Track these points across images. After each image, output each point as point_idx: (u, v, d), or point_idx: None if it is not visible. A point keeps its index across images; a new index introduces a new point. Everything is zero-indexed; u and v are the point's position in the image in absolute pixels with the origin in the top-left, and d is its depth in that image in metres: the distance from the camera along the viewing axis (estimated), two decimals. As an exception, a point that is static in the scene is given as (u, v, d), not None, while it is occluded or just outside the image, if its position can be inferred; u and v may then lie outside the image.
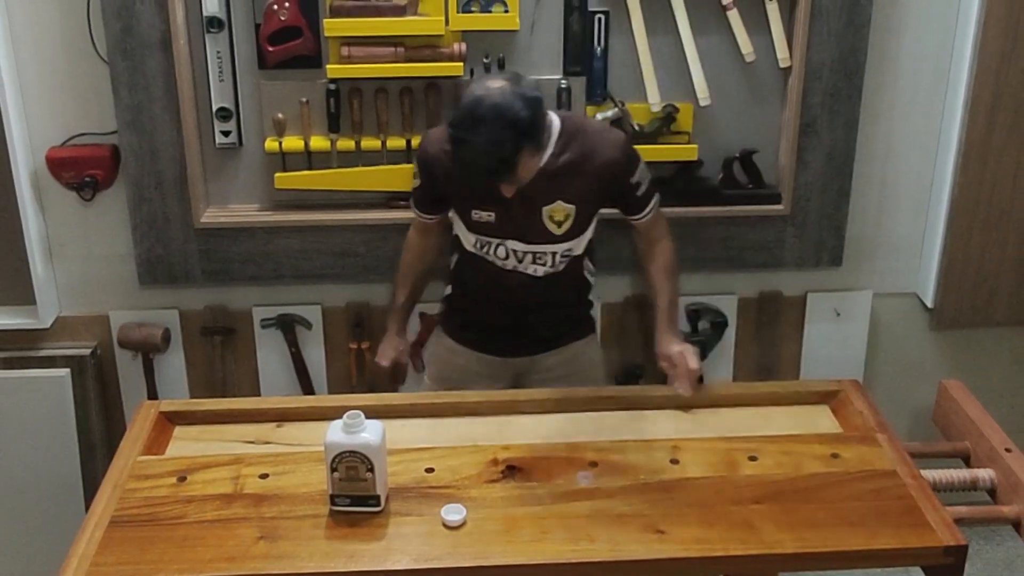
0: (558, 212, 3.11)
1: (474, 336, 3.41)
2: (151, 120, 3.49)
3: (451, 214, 3.27)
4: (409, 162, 3.58)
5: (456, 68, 3.47)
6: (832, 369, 3.94)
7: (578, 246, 3.23)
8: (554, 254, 3.19)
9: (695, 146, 3.64)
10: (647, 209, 3.23)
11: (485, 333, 3.39)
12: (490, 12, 3.46)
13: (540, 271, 3.21)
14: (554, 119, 3.06)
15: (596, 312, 3.67)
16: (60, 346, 3.80)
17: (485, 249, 3.20)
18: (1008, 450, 3.09)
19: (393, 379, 3.43)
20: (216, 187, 3.66)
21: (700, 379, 3.16)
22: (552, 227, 3.13)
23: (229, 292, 3.78)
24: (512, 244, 3.16)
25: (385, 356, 3.43)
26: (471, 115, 2.80)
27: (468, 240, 3.23)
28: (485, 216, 3.12)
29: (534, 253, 3.18)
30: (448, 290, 3.47)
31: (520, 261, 3.19)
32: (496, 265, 3.23)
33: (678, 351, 3.15)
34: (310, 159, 3.60)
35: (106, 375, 3.87)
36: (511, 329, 3.35)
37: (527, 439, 3.00)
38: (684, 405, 3.17)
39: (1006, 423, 3.29)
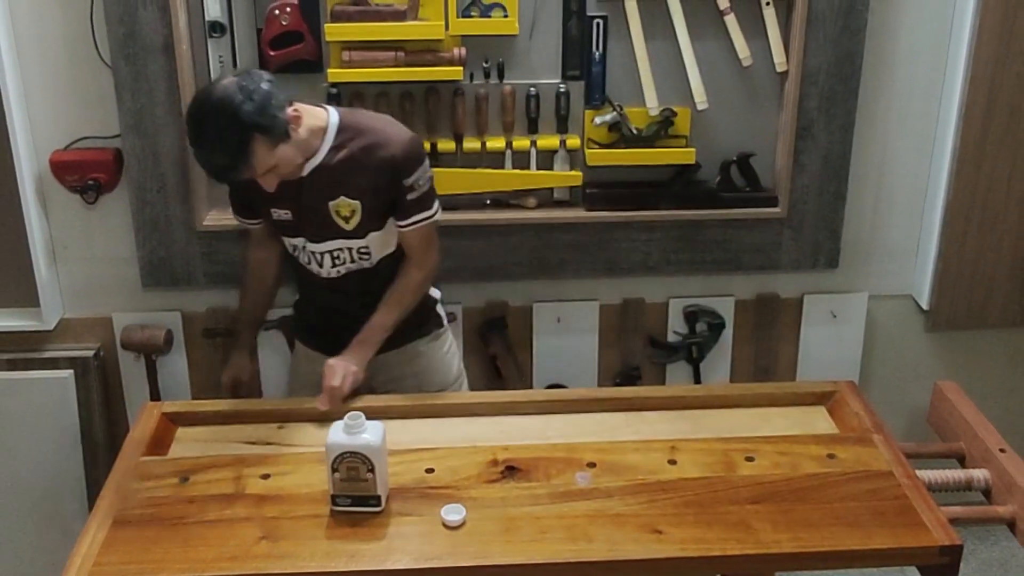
0: (343, 207, 3.09)
1: (319, 340, 3.39)
2: (154, 124, 3.49)
3: None
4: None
5: (456, 72, 3.47)
6: (828, 370, 3.95)
7: (379, 245, 3.19)
8: (350, 250, 3.17)
9: (693, 150, 3.64)
10: (410, 219, 3.14)
11: (326, 336, 3.35)
12: (489, 17, 3.46)
13: (343, 270, 3.20)
14: (332, 115, 3.07)
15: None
16: (63, 348, 3.79)
17: (296, 252, 3.23)
18: (1002, 451, 3.09)
19: (235, 397, 3.42)
20: (218, 191, 3.64)
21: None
22: (341, 222, 3.11)
23: (231, 294, 3.78)
24: (311, 246, 3.16)
25: (226, 374, 3.49)
26: (195, 116, 2.86)
27: (287, 244, 3.26)
28: (283, 215, 3.14)
29: (331, 252, 3.17)
30: (296, 296, 3.52)
31: (321, 265, 3.19)
32: (308, 268, 3.24)
33: (329, 364, 3.13)
34: (311, 162, 3.60)
35: (109, 376, 3.87)
36: (345, 330, 3.27)
37: (526, 440, 3.01)
38: (685, 407, 3.19)
39: (1000, 424, 3.29)
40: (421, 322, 3.38)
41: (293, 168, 2.99)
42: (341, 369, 3.10)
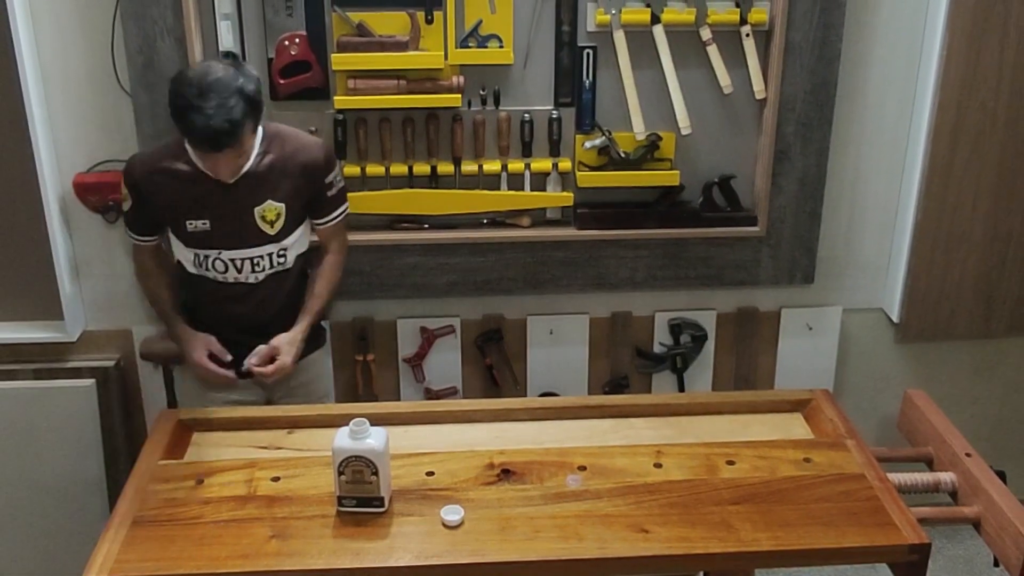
0: (269, 212, 3.09)
1: (217, 362, 3.26)
2: (171, 148, 3.50)
3: (170, 238, 3.19)
4: (411, 187, 3.60)
5: (455, 99, 3.48)
6: (804, 379, 3.96)
7: (294, 246, 3.20)
8: (271, 255, 3.15)
9: (677, 172, 3.65)
10: (332, 215, 3.25)
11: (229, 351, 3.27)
12: (486, 48, 3.47)
13: (261, 276, 3.17)
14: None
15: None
16: (86, 358, 3.80)
17: (204, 265, 3.14)
18: (968, 455, 3.10)
19: (215, 368, 3.21)
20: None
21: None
22: (265, 227, 3.10)
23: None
24: (228, 254, 3.11)
25: (197, 353, 3.21)
26: (199, 85, 2.78)
27: (187, 259, 3.16)
28: (200, 225, 3.07)
29: (252, 259, 3.13)
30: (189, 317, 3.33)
31: (240, 271, 3.14)
32: (217, 281, 3.16)
33: (277, 344, 3.16)
34: (319, 184, 3.60)
35: (129, 385, 3.87)
36: (248, 347, 3.20)
37: (521, 444, 3.01)
38: (670, 414, 3.20)
39: (966, 430, 3.30)
40: (315, 336, 3.36)
41: (243, 163, 3.00)
42: (287, 349, 3.16)
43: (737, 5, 3.51)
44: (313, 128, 3.52)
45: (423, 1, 3.41)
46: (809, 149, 3.69)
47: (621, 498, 2.75)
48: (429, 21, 3.43)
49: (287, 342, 3.17)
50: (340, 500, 2.67)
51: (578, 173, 3.65)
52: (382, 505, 2.67)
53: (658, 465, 2.89)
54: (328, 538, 2.61)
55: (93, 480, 3.84)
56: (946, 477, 3.12)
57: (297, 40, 3.43)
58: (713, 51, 3.54)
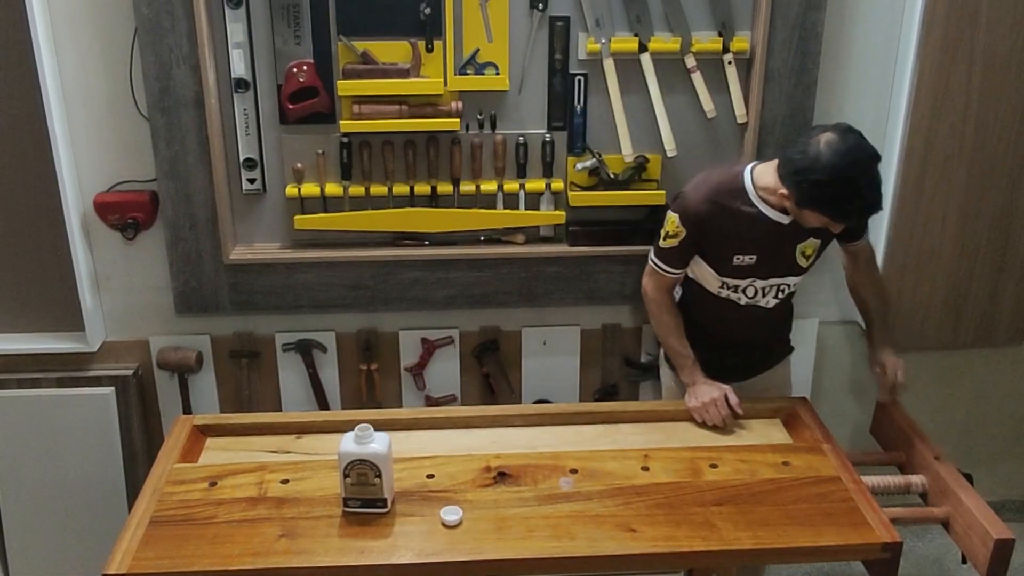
0: (809, 247, 3.12)
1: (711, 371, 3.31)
2: (186, 169, 3.50)
3: (696, 264, 3.21)
4: (412, 206, 3.60)
5: (453, 123, 3.49)
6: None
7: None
8: (794, 283, 3.20)
9: (663, 192, 3.65)
10: (864, 235, 3.30)
11: (706, 367, 3.29)
12: (483, 74, 3.48)
13: (773, 302, 3.21)
14: None
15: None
16: (106, 367, 3.79)
17: (732, 289, 3.18)
18: (937, 458, 3.11)
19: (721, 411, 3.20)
20: (243, 228, 3.66)
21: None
22: (802, 260, 3.13)
23: (254, 320, 3.79)
24: (760, 283, 3.15)
25: (720, 400, 3.19)
26: (869, 158, 2.83)
27: (712, 285, 3.20)
28: (747, 260, 3.10)
29: (778, 286, 3.18)
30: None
31: (764, 295, 3.18)
32: (733, 302, 3.20)
33: (893, 362, 3.28)
34: (325, 203, 3.61)
35: (146, 393, 3.86)
36: (732, 357, 3.34)
37: (516, 449, 3.02)
38: (656, 420, 3.21)
39: (935, 435, 3.32)
40: (786, 344, 3.54)
41: None
42: (902, 365, 3.28)
43: (720, 35, 3.52)
44: (319, 151, 3.54)
45: (424, 31, 3.42)
46: (787, 170, 3.69)
47: (610, 499, 2.76)
48: (429, 50, 3.45)
49: (902, 365, 3.30)
50: (345, 501, 2.68)
51: (570, 193, 3.65)
52: (385, 506, 2.68)
53: (645, 468, 2.91)
54: (334, 537, 2.62)
55: (112, 482, 3.84)
56: (917, 480, 3.13)
57: (305, 67, 3.44)
58: (697, 78, 3.55)
